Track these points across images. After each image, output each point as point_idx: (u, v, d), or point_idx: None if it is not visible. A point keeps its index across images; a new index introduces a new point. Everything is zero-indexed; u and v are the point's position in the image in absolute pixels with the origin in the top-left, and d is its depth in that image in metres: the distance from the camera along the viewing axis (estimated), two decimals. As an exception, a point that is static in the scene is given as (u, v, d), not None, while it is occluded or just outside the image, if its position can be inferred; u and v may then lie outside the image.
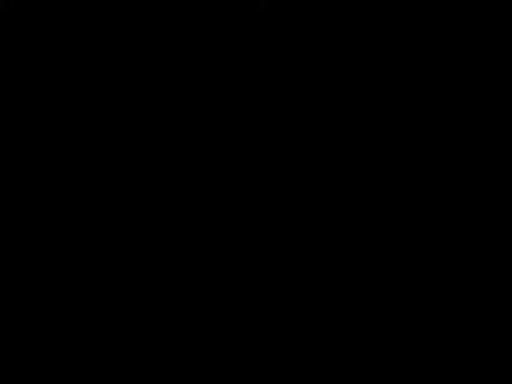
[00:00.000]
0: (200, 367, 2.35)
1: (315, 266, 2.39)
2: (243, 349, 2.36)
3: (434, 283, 2.37)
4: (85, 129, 2.44)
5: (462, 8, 2.44)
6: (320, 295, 2.38)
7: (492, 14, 2.44)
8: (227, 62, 2.45)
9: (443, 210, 2.40)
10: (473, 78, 2.43)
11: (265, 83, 2.45)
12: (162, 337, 2.36)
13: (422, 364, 2.33)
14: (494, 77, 2.43)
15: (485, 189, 2.40)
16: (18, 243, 2.39)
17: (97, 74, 2.45)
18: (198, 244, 2.40)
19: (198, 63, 2.46)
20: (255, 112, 2.44)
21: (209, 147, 2.44)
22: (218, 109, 2.45)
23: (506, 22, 2.42)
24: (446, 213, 2.40)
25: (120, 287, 2.38)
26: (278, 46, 2.45)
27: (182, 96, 2.45)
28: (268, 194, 2.42)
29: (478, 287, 2.36)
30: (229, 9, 2.45)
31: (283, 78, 2.45)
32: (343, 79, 2.44)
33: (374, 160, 2.42)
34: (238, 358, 2.36)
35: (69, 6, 2.46)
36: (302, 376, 2.34)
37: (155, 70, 2.45)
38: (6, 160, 2.42)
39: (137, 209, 2.42)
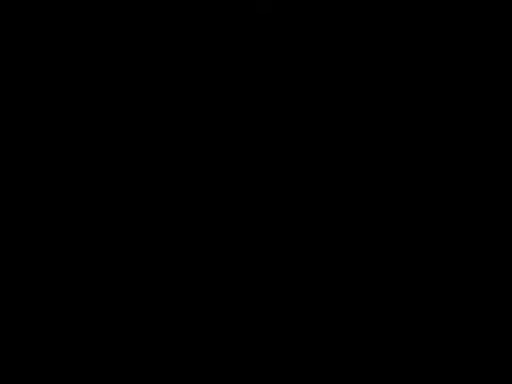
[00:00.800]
0: (200, 367, 2.36)
1: (315, 266, 2.40)
2: (243, 348, 2.37)
3: (433, 283, 2.38)
4: (84, 129, 2.45)
5: (462, 8, 2.45)
6: (320, 295, 2.38)
7: (492, 14, 2.45)
8: (227, 61, 2.46)
9: (443, 209, 2.40)
10: (472, 77, 2.44)
11: (265, 83, 2.45)
12: (162, 336, 2.37)
13: (422, 364, 2.34)
14: (494, 77, 2.44)
15: (484, 188, 2.41)
16: (18, 243, 2.41)
17: (96, 74, 2.46)
18: (197, 243, 2.41)
19: (197, 63, 2.47)
20: (255, 112, 2.45)
21: (209, 147, 2.45)
22: (218, 109, 2.46)
23: (506, 22, 2.43)
24: (445, 212, 2.40)
25: (120, 287, 2.39)
26: (278, 46, 2.46)
27: (182, 96, 2.46)
28: (267, 193, 2.43)
29: (477, 287, 2.37)
30: (229, 9, 2.46)
31: (283, 78, 2.45)
32: (343, 79, 2.45)
33: (374, 160, 2.43)
34: (238, 357, 2.36)
35: (69, 5, 2.48)
36: (302, 376, 2.35)
37: (155, 70, 2.46)
38: (6, 160, 2.44)
39: (136, 208, 2.42)
